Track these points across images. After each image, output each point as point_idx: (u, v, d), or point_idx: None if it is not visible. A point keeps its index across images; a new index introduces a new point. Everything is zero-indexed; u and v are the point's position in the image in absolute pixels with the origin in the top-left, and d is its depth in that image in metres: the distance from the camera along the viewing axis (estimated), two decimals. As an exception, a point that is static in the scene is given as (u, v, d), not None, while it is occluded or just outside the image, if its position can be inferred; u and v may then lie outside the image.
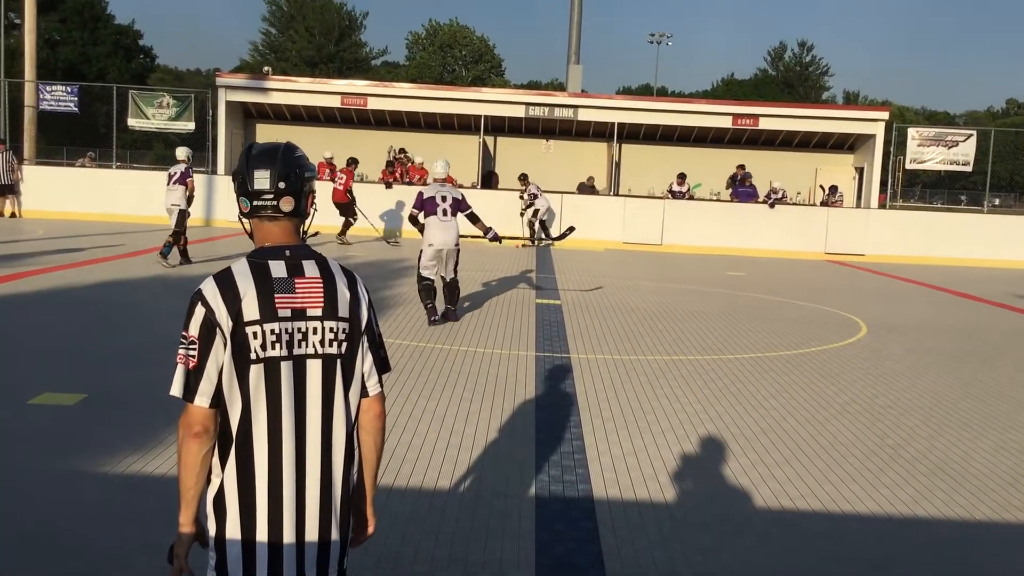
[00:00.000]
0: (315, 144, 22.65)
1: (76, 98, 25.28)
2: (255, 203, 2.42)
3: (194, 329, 2.30)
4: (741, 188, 24.29)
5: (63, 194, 22.96)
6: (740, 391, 7.98)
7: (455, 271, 10.67)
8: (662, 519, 4.93)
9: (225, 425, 2.33)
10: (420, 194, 10.57)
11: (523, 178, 23.08)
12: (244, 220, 2.50)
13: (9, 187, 22.35)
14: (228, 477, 2.34)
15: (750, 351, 9.89)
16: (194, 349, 2.29)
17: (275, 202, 2.41)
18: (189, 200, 14.61)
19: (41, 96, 25.49)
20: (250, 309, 2.31)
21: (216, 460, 2.35)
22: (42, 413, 6.32)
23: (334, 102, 25.41)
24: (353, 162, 20.92)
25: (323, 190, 18.65)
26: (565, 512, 4.95)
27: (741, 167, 24.67)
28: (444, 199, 10.41)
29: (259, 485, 2.32)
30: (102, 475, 5.15)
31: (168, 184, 14.72)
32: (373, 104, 25.30)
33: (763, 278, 17.84)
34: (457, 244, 10.51)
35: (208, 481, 2.36)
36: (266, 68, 35.79)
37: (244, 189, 2.42)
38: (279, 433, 2.33)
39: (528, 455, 5.89)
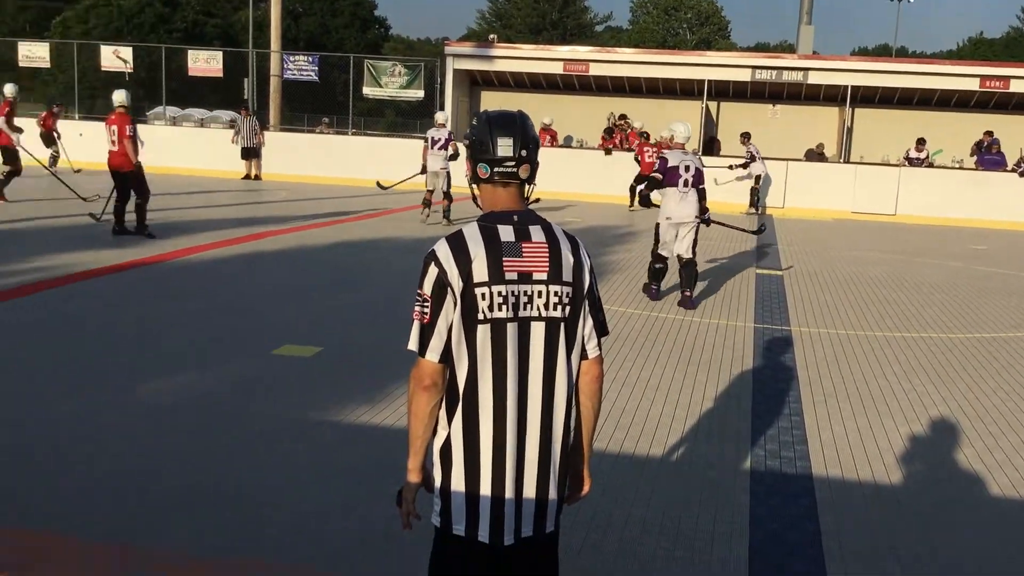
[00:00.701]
0: (536, 110, 22.90)
1: (316, 67, 26.75)
2: (496, 169, 2.50)
3: (427, 287, 2.43)
4: (987, 156, 22.56)
5: (301, 158, 24.38)
6: (977, 372, 7.48)
7: (693, 250, 9.76)
8: (886, 501, 4.72)
9: (453, 381, 2.45)
10: (663, 160, 9.71)
11: (745, 136, 22.39)
12: (473, 185, 2.60)
13: (253, 151, 23.94)
14: (455, 431, 2.46)
15: (990, 330, 9.24)
16: (427, 306, 2.42)
17: (515, 169, 2.50)
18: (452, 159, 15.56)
19: (285, 66, 27.15)
20: (479, 271, 2.40)
21: (443, 413, 2.47)
22: (283, 363, 6.80)
23: (556, 68, 25.56)
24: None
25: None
26: (782, 487, 4.83)
27: (988, 133, 22.89)
28: (687, 169, 9.59)
29: (483, 440, 2.43)
30: (335, 423, 5.50)
31: (433, 149, 15.67)
32: (595, 70, 25.27)
33: (1010, 252, 16.56)
34: (696, 218, 9.70)
35: (435, 433, 2.49)
36: (492, 36, 36.45)
37: (483, 155, 2.50)
38: (504, 392, 2.42)
39: (744, 428, 5.78)
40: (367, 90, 26.21)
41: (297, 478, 4.67)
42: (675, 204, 9.64)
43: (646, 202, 10.24)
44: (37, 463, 4.72)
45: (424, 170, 16.18)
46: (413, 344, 2.45)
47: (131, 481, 4.53)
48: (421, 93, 25.90)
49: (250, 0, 32.16)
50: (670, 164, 9.63)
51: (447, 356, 2.42)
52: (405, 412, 5.61)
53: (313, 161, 24.22)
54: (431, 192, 16.01)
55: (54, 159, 21.20)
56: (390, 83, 25.90)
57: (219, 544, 3.91)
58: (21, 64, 28.28)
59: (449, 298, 2.40)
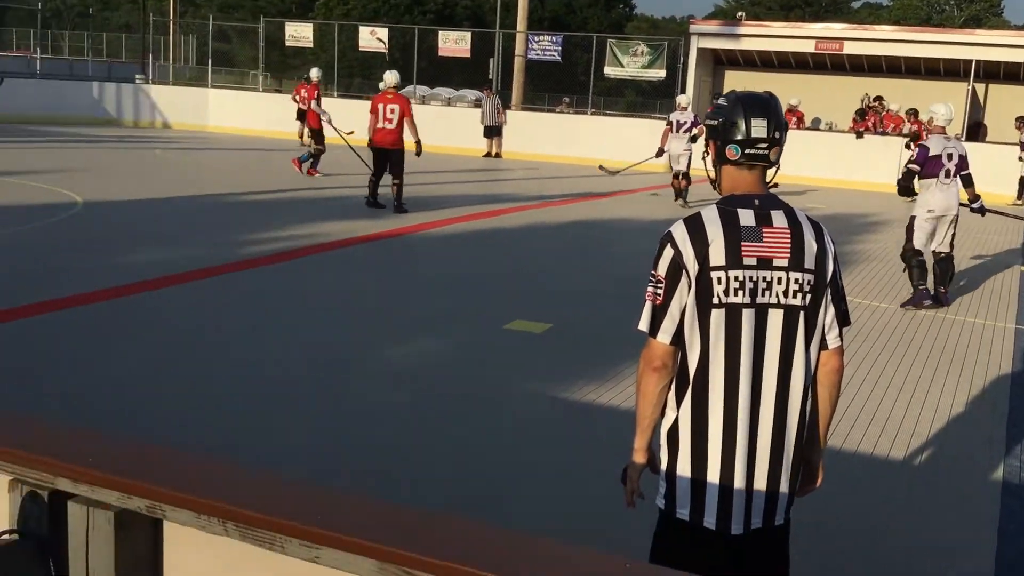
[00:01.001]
0: (783, 90, 22.06)
1: (560, 47, 27.02)
2: (747, 151, 2.42)
3: (662, 269, 2.39)
4: None
5: (541, 138, 24.71)
6: None
7: (951, 244, 9.00)
8: None
9: (684, 364, 2.40)
10: (924, 149, 8.81)
11: (1021, 121, 20.54)
12: (711, 166, 2.54)
13: (495, 129, 24.52)
14: (683, 414, 2.41)
15: None
16: (660, 287, 2.38)
17: (767, 151, 2.43)
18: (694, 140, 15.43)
19: (529, 46, 27.59)
20: (716, 255, 2.34)
21: (672, 396, 2.43)
22: (514, 338, 6.94)
23: (807, 47, 24.52)
24: None
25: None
26: (1039, 504, 4.43)
27: None
28: (950, 157, 8.71)
29: (712, 426, 2.37)
30: (562, 399, 5.55)
31: (676, 132, 15.66)
32: (849, 48, 24.02)
33: None
34: (957, 211, 8.92)
35: (663, 414, 2.45)
36: (740, 14, 35.50)
37: (734, 135, 2.42)
38: (736, 379, 2.36)
39: (998, 434, 5.34)
40: (608, 70, 26.19)
41: (521, 449, 4.75)
42: (938, 195, 8.82)
43: (906, 190, 9.25)
44: (276, 416, 5.07)
45: (660, 153, 16.06)
46: (644, 324, 2.41)
47: (364, 436, 4.78)
48: (663, 73, 25.57)
49: (498, -19, 32.93)
50: (931, 153, 8.77)
51: (678, 338, 2.38)
52: (633, 392, 5.61)
53: (552, 140, 24.50)
54: (676, 176, 15.96)
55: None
56: (631, 63, 25.74)
57: (458, 503, 4.05)
58: (287, 44, 30.35)
59: (683, 280, 2.35)
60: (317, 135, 16.80)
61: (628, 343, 6.75)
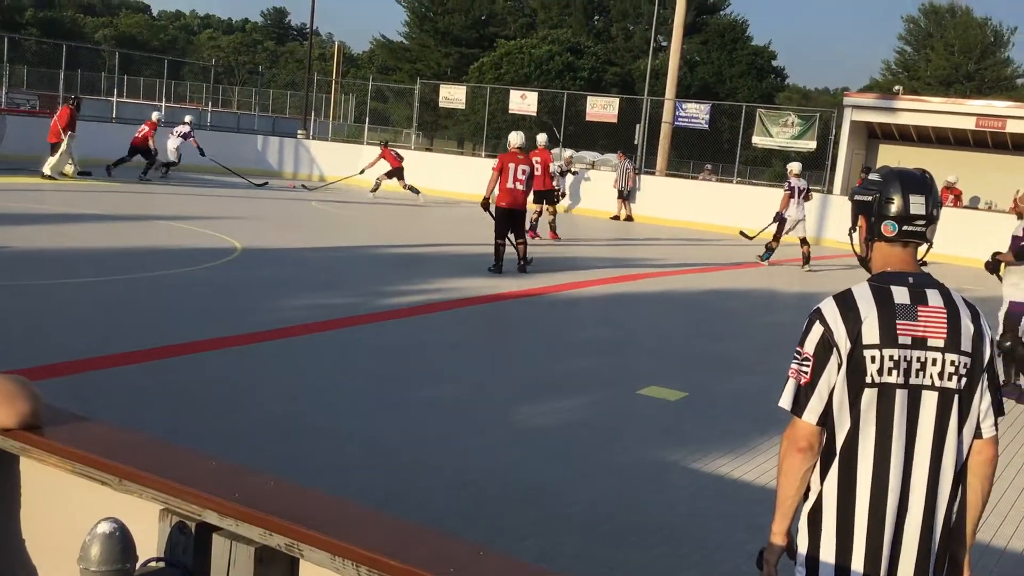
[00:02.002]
0: (940, 167, 21.36)
1: (708, 115, 26.94)
2: (904, 227, 2.37)
3: (810, 346, 2.32)
4: None
5: (683, 204, 24.46)
6: None
7: None
8: None
9: (830, 443, 2.32)
10: (1017, 239, 8.40)
11: None
12: (858, 242, 2.48)
13: (626, 192, 24.50)
14: (827, 495, 2.33)
15: None
16: (807, 365, 2.31)
17: (924, 228, 2.37)
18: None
19: (677, 113, 27.62)
20: (870, 332, 2.28)
21: (816, 475, 2.35)
22: (648, 404, 6.87)
23: (968, 123, 23.68)
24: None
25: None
26: None
27: None
28: None
29: (859, 510, 2.29)
30: (693, 470, 5.44)
31: (796, 198, 15.93)
32: (1013, 127, 23.08)
33: None
34: None
35: (805, 496, 2.37)
36: (896, 87, 34.64)
37: (889, 212, 2.37)
38: (886, 461, 2.27)
39: None
40: (756, 139, 25.90)
41: (649, 523, 4.67)
42: None
43: (994, 269, 8.68)
44: (407, 463, 5.14)
45: (779, 218, 16.20)
46: (787, 402, 2.34)
47: (487, 492, 4.79)
48: (813, 144, 25.11)
49: (650, 50, 33.18)
50: None
51: (825, 418, 2.30)
52: (769, 468, 5.46)
53: (694, 207, 24.25)
54: (805, 242, 16.22)
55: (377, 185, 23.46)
56: (781, 133, 25.41)
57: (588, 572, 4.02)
58: (441, 105, 31.31)
59: (834, 359, 2.29)
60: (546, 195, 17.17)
61: (764, 416, 6.60)
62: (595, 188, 25.25)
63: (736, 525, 4.62)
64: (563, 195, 22.61)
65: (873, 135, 25.73)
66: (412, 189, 22.79)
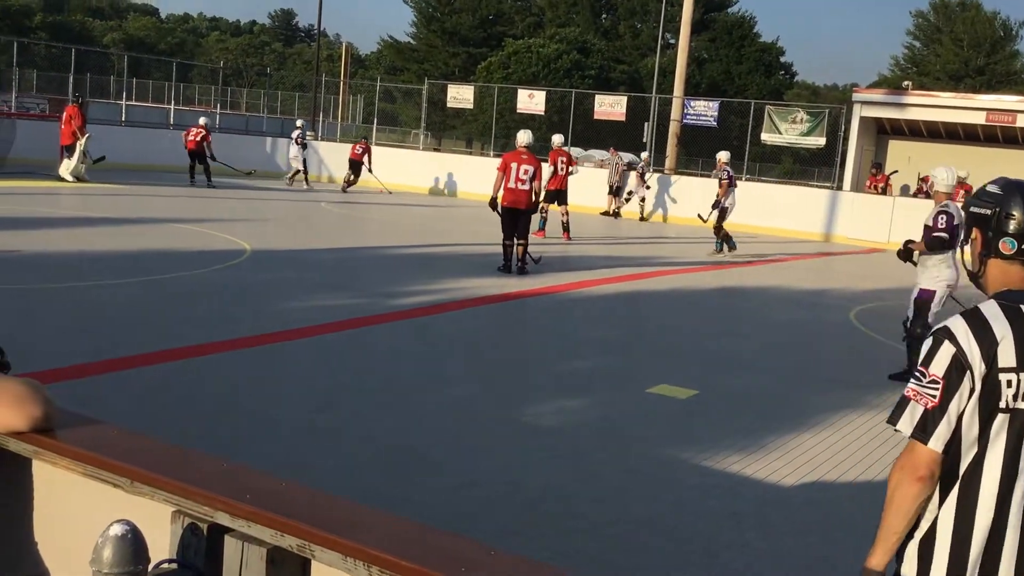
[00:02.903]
0: (950, 162, 21.24)
1: (716, 113, 26.91)
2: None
3: (938, 368, 2.15)
4: None
5: (693, 202, 24.38)
6: None
7: None
8: None
9: (951, 469, 2.18)
10: (950, 217, 7.89)
11: None
12: (971, 256, 2.36)
13: (617, 188, 24.31)
14: (943, 523, 2.19)
15: None
16: (935, 388, 2.14)
17: None
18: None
19: (685, 111, 27.58)
20: (1006, 355, 2.14)
21: (933, 503, 2.20)
22: (658, 402, 6.86)
23: (978, 118, 23.61)
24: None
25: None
26: None
27: None
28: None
29: (975, 540, 2.16)
30: (703, 468, 5.44)
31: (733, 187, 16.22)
32: (1023, 121, 23.00)
33: None
34: None
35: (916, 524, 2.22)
36: (906, 83, 34.51)
37: (1008, 228, 2.25)
38: (1011, 490, 2.15)
39: None
40: (765, 136, 25.87)
41: (656, 518, 4.67)
42: (956, 269, 8.01)
43: (907, 256, 8.36)
44: (415, 464, 5.15)
45: (717, 206, 16.29)
46: (908, 427, 2.16)
47: (496, 492, 4.80)
48: (822, 140, 25.06)
49: (658, 47, 33.14)
50: (955, 222, 7.89)
51: (950, 445, 2.15)
52: (775, 466, 5.46)
53: (704, 205, 24.16)
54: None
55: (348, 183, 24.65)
56: (790, 130, 25.35)
57: (596, 571, 4.02)
58: (448, 105, 31.35)
59: (967, 382, 2.13)
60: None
61: (773, 414, 6.61)
62: (595, 185, 25.25)
63: (746, 524, 4.61)
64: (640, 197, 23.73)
65: (883, 131, 25.68)
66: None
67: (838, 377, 8.20)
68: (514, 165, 12.38)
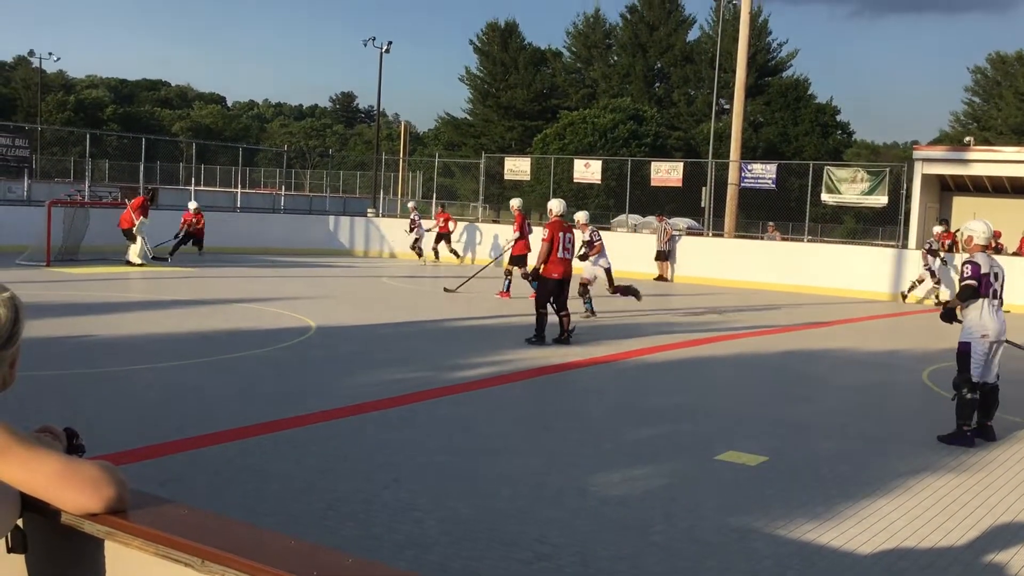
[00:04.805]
0: (1017, 217, 20.88)
1: (774, 175, 26.80)
2: None
3: None
4: None
5: (754, 265, 24.18)
6: None
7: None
8: None
9: None
10: (975, 266, 7.93)
11: None
12: None
13: (664, 253, 24.55)
14: None
15: None
16: None
17: None
18: None
19: (743, 174, 27.55)
20: None
21: None
22: (727, 469, 6.74)
23: (1043, 172, 23.20)
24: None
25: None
26: None
27: None
28: (996, 276, 7.95)
29: None
30: (777, 537, 5.30)
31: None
32: (1092, 171, 22.53)
33: None
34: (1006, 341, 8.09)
35: None
36: (967, 138, 34.10)
37: None
38: None
39: None
40: (825, 196, 25.66)
41: (735, 589, 4.55)
42: (992, 319, 7.91)
43: (949, 317, 8.29)
44: (486, 537, 5.11)
45: (584, 257, 15.80)
46: None
47: (565, 566, 4.73)
48: (885, 199, 24.76)
49: (712, 113, 33.27)
50: (983, 271, 7.91)
51: None
52: (851, 534, 5.30)
53: (766, 268, 23.96)
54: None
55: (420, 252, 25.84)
56: (850, 189, 25.12)
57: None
58: (506, 177, 31.74)
59: None
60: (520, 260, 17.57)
61: (847, 481, 6.45)
62: (635, 249, 25.34)
63: (824, 594, 4.47)
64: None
65: (946, 187, 25.33)
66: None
67: (913, 439, 7.98)
68: (561, 235, 12.24)
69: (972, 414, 7.96)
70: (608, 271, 15.95)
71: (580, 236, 15.13)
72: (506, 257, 18.42)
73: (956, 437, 7.87)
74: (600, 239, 16.12)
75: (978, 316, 7.94)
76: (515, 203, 18.77)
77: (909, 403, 9.81)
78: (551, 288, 12.23)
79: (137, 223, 20.20)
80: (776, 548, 5.15)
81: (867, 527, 5.49)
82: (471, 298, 17.60)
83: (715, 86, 33.67)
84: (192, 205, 23.41)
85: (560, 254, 12.21)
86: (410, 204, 28.02)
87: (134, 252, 20.25)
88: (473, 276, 19.48)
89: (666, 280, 24.42)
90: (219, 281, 18.49)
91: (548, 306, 12.20)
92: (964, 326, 8.07)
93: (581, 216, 16.22)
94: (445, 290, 18.48)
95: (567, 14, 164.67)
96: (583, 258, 15.52)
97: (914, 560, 5.07)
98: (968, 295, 7.92)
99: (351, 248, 28.46)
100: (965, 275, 7.99)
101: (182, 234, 22.54)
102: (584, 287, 15.32)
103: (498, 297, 17.60)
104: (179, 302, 14.78)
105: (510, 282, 17.84)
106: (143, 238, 20.39)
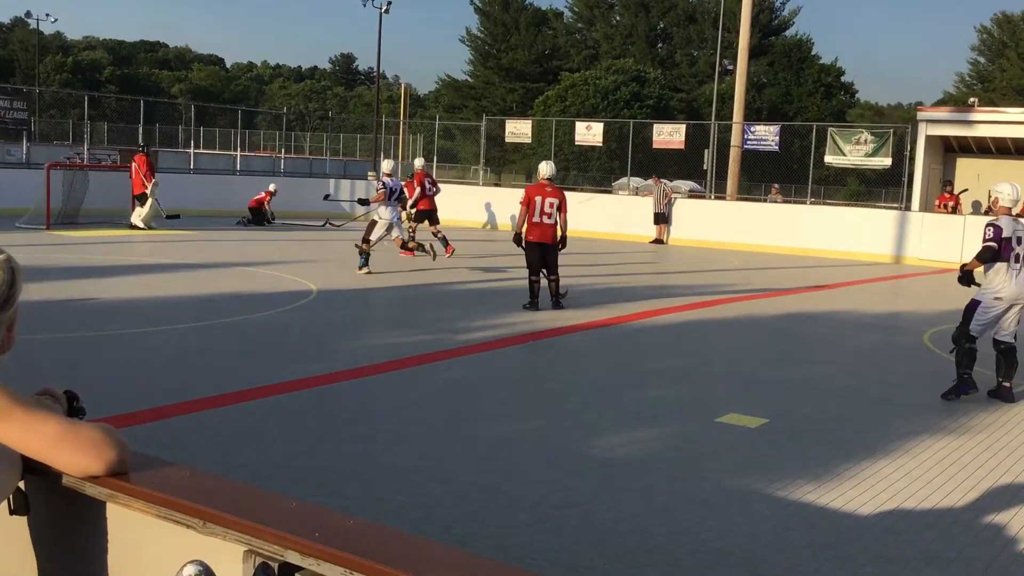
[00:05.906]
0: (1021, 178, 20.74)
1: (777, 137, 26.63)
2: None
3: None
4: None
5: (755, 229, 24.15)
6: None
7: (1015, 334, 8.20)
8: None
9: None
10: (998, 229, 7.95)
11: None
12: None
13: (662, 216, 24.51)
14: None
15: None
16: None
17: None
18: None
19: (745, 136, 27.37)
20: None
21: None
22: (728, 432, 6.76)
23: (1048, 132, 23.04)
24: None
25: None
26: None
27: None
28: (1020, 240, 7.93)
29: None
30: (778, 499, 5.33)
31: (389, 200, 15.68)
32: (1097, 133, 22.38)
33: None
34: None
35: None
36: (972, 99, 33.86)
37: None
38: None
39: None
40: (829, 158, 25.52)
41: (735, 553, 4.58)
42: (1011, 282, 7.95)
43: (967, 280, 8.27)
44: (487, 498, 5.13)
45: (363, 202, 16.95)
46: None
47: (566, 527, 4.76)
48: (888, 161, 24.62)
49: (715, 74, 33.02)
50: (1004, 234, 7.92)
51: None
52: (851, 495, 5.33)
53: (767, 231, 23.88)
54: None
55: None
56: (854, 151, 24.97)
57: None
58: (507, 140, 31.57)
59: None
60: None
61: (848, 442, 6.45)
62: (637, 212, 25.29)
63: (824, 555, 4.50)
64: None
65: (950, 149, 25.17)
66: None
67: (913, 401, 7.99)
68: (538, 199, 11.90)
69: (972, 363, 8.02)
70: (398, 223, 16.02)
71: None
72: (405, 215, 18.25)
73: (958, 385, 7.94)
74: (385, 187, 15.58)
75: (1000, 278, 7.96)
76: (418, 163, 20.02)
77: (910, 365, 9.82)
78: (531, 252, 12.01)
79: (150, 186, 20.08)
80: (777, 509, 5.17)
81: (867, 488, 5.52)
82: (476, 261, 17.57)
83: (719, 46, 33.41)
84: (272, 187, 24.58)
85: (536, 218, 11.91)
86: (417, 163, 27.67)
87: (138, 216, 20.17)
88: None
89: (663, 243, 24.40)
90: (220, 244, 18.46)
91: (540, 273, 12.02)
92: (981, 287, 8.10)
93: (386, 166, 16.74)
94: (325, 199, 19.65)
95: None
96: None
97: (914, 521, 5.09)
98: (988, 257, 7.94)
99: (351, 211, 28.37)
100: (987, 237, 8.00)
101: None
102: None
103: (402, 256, 17.21)
104: (180, 265, 14.76)
105: (413, 238, 17.40)
106: (155, 199, 20.26)
